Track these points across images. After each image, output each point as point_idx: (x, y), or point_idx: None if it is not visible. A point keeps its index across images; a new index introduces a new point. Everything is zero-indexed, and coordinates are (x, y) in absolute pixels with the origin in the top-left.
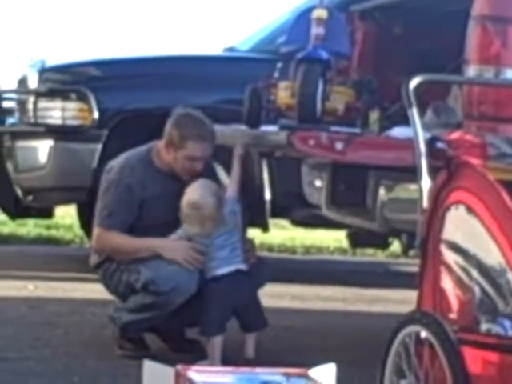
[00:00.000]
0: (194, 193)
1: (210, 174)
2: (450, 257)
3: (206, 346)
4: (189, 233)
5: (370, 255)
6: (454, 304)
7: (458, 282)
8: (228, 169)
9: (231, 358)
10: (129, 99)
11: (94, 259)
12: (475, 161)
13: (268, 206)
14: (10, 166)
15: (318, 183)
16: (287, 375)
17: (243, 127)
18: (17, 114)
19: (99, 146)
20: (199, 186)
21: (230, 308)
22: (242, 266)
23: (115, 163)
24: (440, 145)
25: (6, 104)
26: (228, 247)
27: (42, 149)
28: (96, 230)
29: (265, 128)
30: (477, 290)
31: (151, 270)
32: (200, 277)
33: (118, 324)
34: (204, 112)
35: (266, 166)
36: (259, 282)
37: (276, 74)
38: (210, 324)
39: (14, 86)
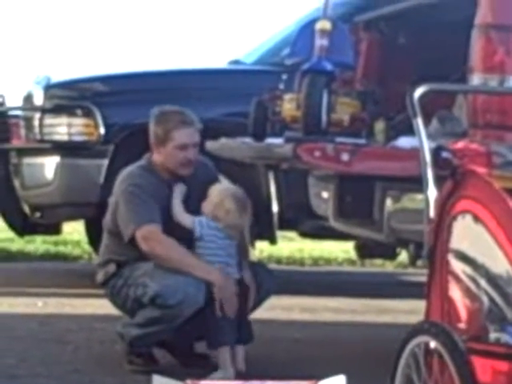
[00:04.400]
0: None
1: None
2: (457, 266)
3: (216, 359)
4: (214, 225)
5: (378, 266)
6: (463, 313)
7: (466, 292)
8: (232, 180)
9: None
10: (134, 114)
11: (100, 277)
12: (481, 170)
13: (275, 219)
14: (17, 183)
15: (324, 194)
16: None
17: (249, 140)
18: (23, 131)
19: (106, 162)
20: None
21: (233, 318)
22: (238, 276)
23: (120, 177)
24: (445, 154)
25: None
26: (230, 255)
27: (49, 165)
28: (140, 233)
29: (270, 140)
30: (485, 299)
31: (158, 284)
32: (207, 289)
33: (127, 339)
34: (210, 125)
35: (273, 179)
36: (264, 295)
37: (281, 86)
38: (219, 334)
39: (20, 102)
